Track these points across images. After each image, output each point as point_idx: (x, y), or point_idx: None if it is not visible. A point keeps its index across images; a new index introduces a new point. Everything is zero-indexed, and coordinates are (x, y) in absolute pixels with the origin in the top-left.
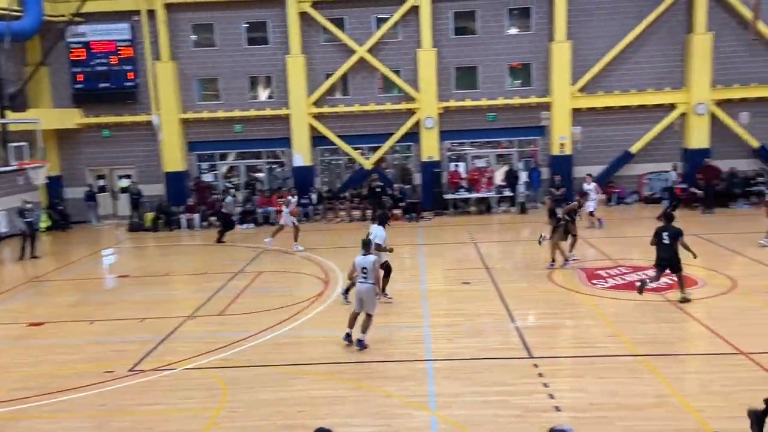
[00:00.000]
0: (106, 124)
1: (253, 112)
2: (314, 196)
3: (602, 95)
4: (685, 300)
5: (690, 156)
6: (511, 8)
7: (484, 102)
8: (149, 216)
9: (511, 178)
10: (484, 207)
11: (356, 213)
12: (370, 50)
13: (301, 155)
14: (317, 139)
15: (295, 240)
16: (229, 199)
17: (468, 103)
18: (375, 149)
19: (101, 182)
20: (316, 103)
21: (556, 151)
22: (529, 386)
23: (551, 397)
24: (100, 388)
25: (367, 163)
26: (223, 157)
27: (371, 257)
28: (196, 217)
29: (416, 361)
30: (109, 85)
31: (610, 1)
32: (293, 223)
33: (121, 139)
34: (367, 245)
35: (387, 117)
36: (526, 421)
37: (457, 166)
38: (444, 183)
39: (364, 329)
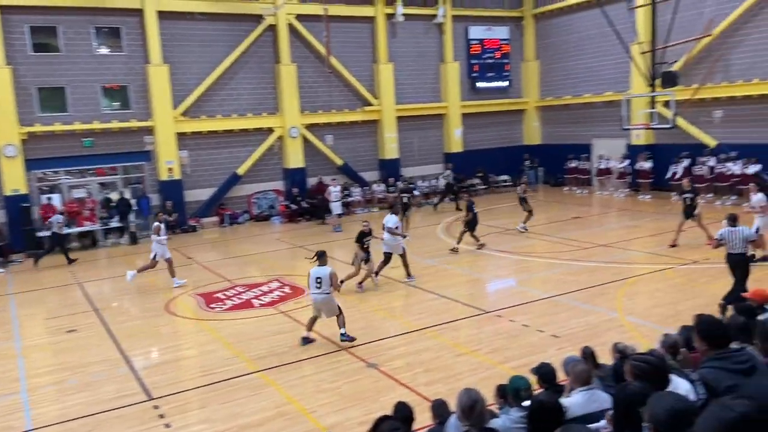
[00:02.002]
0: None
1: None
2: None
3: (205, 119)
4: (482, 245)
5: (290, 175)
6: (98, 27)
7: (77, 126)
8: None
9: (123, 206)
10: (89, 241)
11: None
12: None
13: None
14: None
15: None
16: (58, 218)
17: (58, 127)
18: None
19: None
20: None
21: (164, 176)
22: None
23: None
24: None
25: None
26: None
27: (327, 268)
28: None
29: None
30: None
31: (201, 28)
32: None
33: None
34: (321, 256)
35: None
36: None
37: (50, 198)
38: (36, 219)
39: (342, 324)
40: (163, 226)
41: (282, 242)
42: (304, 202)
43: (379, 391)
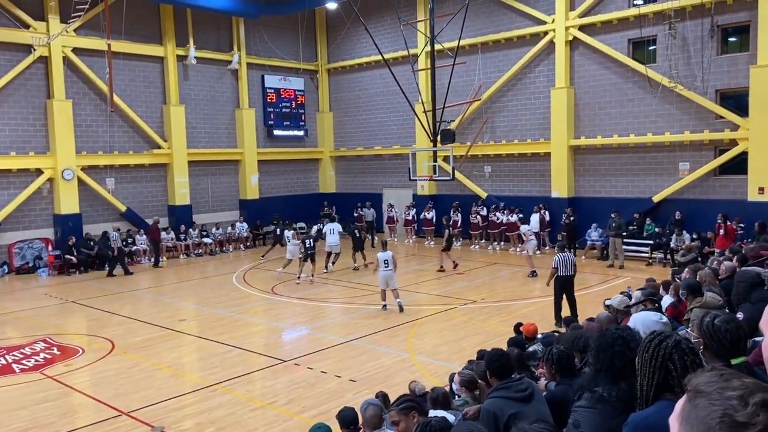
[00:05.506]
0: None
1: None
2: None
3: None
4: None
5: (62, 221)
6: None
7: None
8: None
9: None
10: None
11: None
12: None
13: None
14: None
15: None
16: None
17: None
18: None
19: None
20: None
21: None
22: None
23: None
24: None
25: None
26: None
27: (390, 253)
28: None
29: None
30: None
31: None
32: None
33: None
34: (384, 244)
35: None
36: None
37: None
38: None
39: (397, 295)
40: None
41: (51, 297)
42: (76, 252)
43: None
